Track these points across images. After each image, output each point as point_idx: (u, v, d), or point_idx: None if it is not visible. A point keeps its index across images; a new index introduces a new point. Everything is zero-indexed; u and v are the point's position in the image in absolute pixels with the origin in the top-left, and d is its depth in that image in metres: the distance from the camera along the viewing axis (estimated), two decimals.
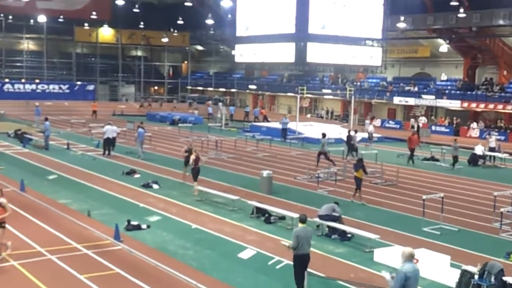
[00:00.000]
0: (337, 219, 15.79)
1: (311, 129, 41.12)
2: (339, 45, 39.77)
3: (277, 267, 12.89)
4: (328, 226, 15.74)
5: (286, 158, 30.65)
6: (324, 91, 55.59)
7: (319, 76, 60.25)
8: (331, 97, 55.08)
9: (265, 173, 21.39)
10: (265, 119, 49.95)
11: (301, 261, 11.05)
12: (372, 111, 54.10)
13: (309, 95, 53.08)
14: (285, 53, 40.32)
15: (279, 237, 15.32)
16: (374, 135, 39.21)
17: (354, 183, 20.17)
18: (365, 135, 37.87)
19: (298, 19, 38.02)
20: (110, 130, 28.90)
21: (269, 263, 13.15)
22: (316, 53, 39.32)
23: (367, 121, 46.38)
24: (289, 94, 58.08)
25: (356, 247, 14.76)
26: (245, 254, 13.58)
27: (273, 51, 42.23)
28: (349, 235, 15.36)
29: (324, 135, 28.32)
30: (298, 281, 11.06)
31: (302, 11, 37.80)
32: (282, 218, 17.17)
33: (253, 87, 63.68)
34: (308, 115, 55.55)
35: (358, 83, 55.45)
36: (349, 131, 32.53)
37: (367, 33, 41.02)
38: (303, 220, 11.26)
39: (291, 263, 11.70)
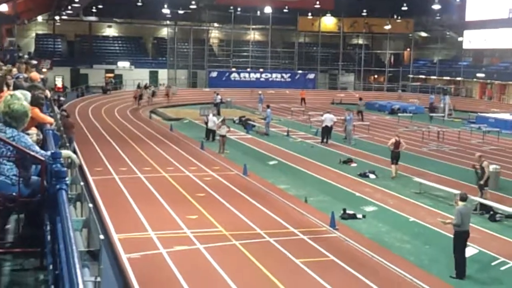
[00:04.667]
0: None
1: None
2: None
3: (501, 268, 12.13)
4: None
5: None
6: None
7: None
8: None
9: (491, 167, 19.88)
10: None
11: (463, 238, 11.73)
12: None
13: None
14: None
15: (505, 237, 14.21)
16: None
17: None
18: None
19: None
20: (329, 119, 29.21)
21: (493, 263, 12.40)
22: None
23: None
24: None
25: None
26: (466, 252, 12.72)
27: (506, 36, 39.28)
28: None
29: (360, 99, 41.33)
30: (459, 255, 11.67)
31: None
32: (509, 216, 15.88)
33: (481, 75, 59.71)
34: None
35: None
36: None
37: None
38: (464, 198, 12.03)
39: None
